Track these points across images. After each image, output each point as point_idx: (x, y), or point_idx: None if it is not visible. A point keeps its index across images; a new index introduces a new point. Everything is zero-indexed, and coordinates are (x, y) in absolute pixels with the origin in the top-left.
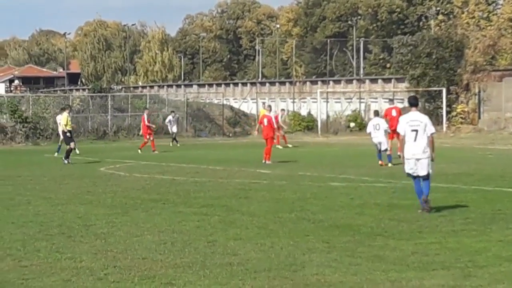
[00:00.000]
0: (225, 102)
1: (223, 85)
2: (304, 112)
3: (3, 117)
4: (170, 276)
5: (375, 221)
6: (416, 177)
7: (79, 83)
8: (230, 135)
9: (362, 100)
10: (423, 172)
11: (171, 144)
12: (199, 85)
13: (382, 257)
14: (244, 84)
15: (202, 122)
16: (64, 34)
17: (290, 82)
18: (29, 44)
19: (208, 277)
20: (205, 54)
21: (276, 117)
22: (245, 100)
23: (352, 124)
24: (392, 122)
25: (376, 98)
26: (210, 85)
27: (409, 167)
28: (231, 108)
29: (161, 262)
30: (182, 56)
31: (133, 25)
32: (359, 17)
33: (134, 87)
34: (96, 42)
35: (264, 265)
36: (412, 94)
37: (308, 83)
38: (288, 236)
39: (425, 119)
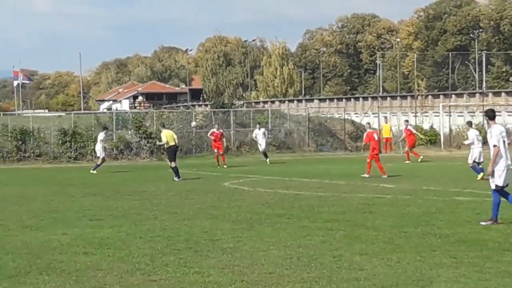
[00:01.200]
0: (346, 117)
1: (344, 100)
2: (426, 126)
3: (128, 133)
4: None
5: (502, 236)
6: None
7: (201, 98)
8: (352, 149)
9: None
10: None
11: (267, 162)
12: (320, 100)
13: None
14: (365, 98)
15: (323, 136)
16: (186, 50)
17: (412, 96)
18: (152, 61)
19: None
20: (326, 69)
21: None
22: (367, 115)
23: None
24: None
25: (499, 112)
26: (331, 99)
27: (502, 180)
28: (353, 122)
29: (287, 277)
30: (303, 71)
31: (253, 40)
32: (480, 30)
33: (256, 102)
34: (216, 58)
35: (391, 280)
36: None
37: (430, 96)
38: (415, 251)
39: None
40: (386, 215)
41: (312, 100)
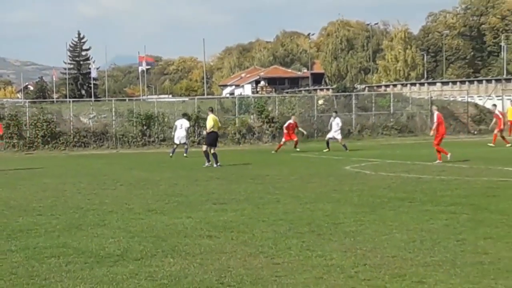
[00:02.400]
0: (469, 100)
1: (467, 82)
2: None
3: (250, 117)
4: (420, 275)
5: None
6: None
7: (322, 83)
8: (475, 132)
9: None
10: None
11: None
12: (443, 83)
13: None
14: (488, 81)
15: (446, 120)
16: (308, 35)
17: None
18: (274, 46)
19: (459, 275)
20: (448, 52)
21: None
22: (490, 97)
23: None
24: None
25: None
26: (454, 82)
27: None
28: (476, 105)
29: (410, 261)
30: (425, 54)
31: (375, 24)
32: None
33: (377, 86)
34: (338, 42)
35: None
36: None
37: None
38: None
39: None
40: (510, 199)
41: (434, 83)
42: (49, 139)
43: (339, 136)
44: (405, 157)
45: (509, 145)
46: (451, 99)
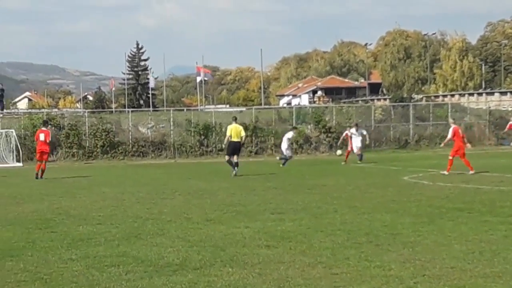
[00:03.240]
0: None
1: None
2: None
3: (307, 127)
4: (480, 286)
5: None
6: None
7: (379, 92)
8: None
9: None
10: None
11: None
12: (501, 93)
13: None
14: None
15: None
16: (365, 44)
17: None
18: (331, 56)
19: None
20: (507, 62)
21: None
22: None
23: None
24: None
25: None
26: None
27: None
28: None
29: (470, 272)
30: (483, 64)
31: (433, 34)
32: None
33: (435, 96)
34: (396, 52)
35: None
36: None
37: None
38: None
39: None
40: None
41: (492, 93)
42: (108, 149)
43: (359, 145)
44: (463, 168)
45: None
46: (510, 109)
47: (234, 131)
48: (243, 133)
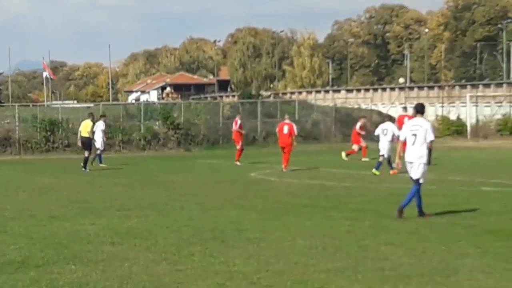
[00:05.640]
0: (373, 107)
1: (371, 90)
2: (453, 117)
3: (155, 123)
4: (322, 281)
5: None
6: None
7: (228, 89)
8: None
9: None
10: (415, 176)
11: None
12: (347, 91)
13: None
14: (392, 89)
15: (350, 127)
16: (214, 41)
17: (439, 87)
18: (181, 52)
19: (360, 281)
20: (353, 60)
21: (360, 127)
22: (393, 105)
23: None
24: None
25: None
26: (358, 90)
27: (408, 170)
28: (379, 113)
29: (313, 267)
30: (330, 62)
31: (282, 31)
32: (509, 20)
33: (283, 93)
34: (245, 49)
35: (416, 270)
36: None
37: (457, 87)
38: (440, 241)
39: (426, 125)
40: (412, 206)
41: (339, 91)
42: None
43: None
44: (309, 164)
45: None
46: (356, 106)
47: (83, 127)
48: (89, 129)
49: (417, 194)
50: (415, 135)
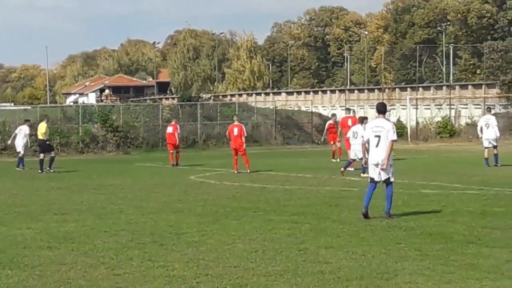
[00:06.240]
0: (313, 110)
1: (311, 93)
2: (393, 119)
3: (94, 126)
4: (262, 285)
5: (467, 228)
6: (376, 182)
7: (168, 92)
8: (319, 142)
9: (452, 107)
10: (384, 177)
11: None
12: (288, 93)
13: (476, 265)
14: (332, 91)
15: (291, 129)
16: (154, 43)
17: (379, 89)
18: (119, 54)
19: (300, 285)
20: (293, 62)
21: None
22: (334, 108)
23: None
24: (347, 131)
25: (466, 104)
26: (299, 92)
27: (372, 171)
28: (320, 115)
29: (252, 271)
30: (270, 64)
31: (221, 33)
32: (448, 23)
33: (223, 96)
34: (186, 51)
35: (356, 273)
36: (491, 100)
37: (397, 89)
38: (380, 244)
39: (388, 125)
40: (352, 208)
41: (279, 93)
42: None
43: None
44: (250, 167)
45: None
46: (296, 109)
47: (39, 129)
48: (43, 130)
49: (370, 194)
50: (378, 136)
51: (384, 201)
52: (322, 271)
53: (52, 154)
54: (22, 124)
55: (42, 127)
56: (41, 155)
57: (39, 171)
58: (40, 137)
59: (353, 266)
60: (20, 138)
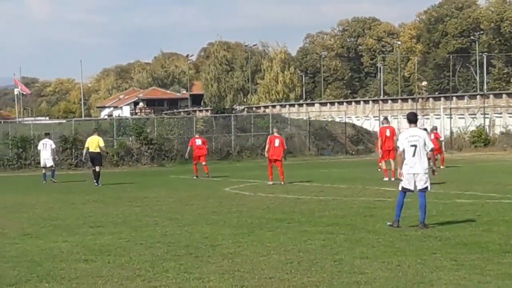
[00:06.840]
0: (347, 120)
1: (344, 103)
2: (427, 128)
3: (129, 139)
4: None
5: (503, 238)
6: (407, 191)
7: (202, 104)
8: (353, 153)
9: (486, 116)
10: (421, 186)
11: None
12: (321, 104)
13: None
14: (366, 101)
15: (324, 140)
16: (187, 56)
17: (413, 99)
18: (153, 67)
19: None
20: (326, 73)
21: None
22: (367, 118)
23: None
24: (387, 142)
25: (500, 113)
26: (332, 103)
27: (407, 182)
28: (353, 126)
29: (288, 282)
30: (304, 75)
31: (254, 45)
32: (481, 32)
33: (256, 107)
34: (218, 64)
35: (391, 284)
36: None
37: (431, 99)
38: (415, 254)
39: (423, 134)
40: (387, 218)
41: (313, 104)
42: None
43: None
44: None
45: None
46: (330, 119)
47: (91, 142)
48: (101, 144)
49: (401, 205)
50: (414, 146)
51: (417, 211)
52: (358, 281)
53: (97, 168)
54: (43, 138)
55: (101, 141)
56: (97, 168)
57: (95, 183)
58: (95, 149)
59: (388, 277)
60: (48, 152)
